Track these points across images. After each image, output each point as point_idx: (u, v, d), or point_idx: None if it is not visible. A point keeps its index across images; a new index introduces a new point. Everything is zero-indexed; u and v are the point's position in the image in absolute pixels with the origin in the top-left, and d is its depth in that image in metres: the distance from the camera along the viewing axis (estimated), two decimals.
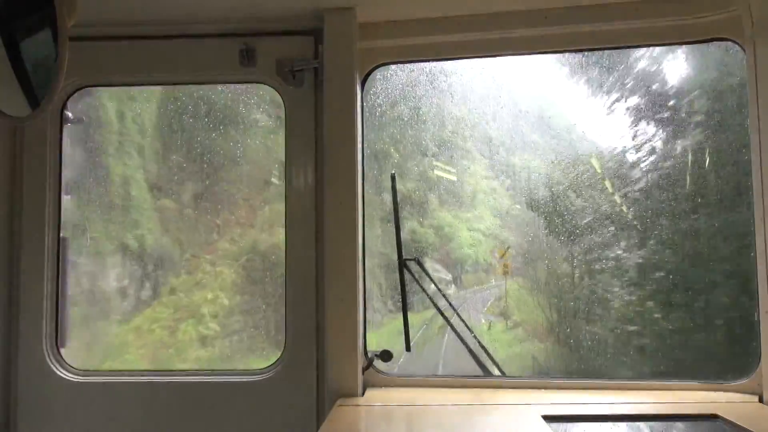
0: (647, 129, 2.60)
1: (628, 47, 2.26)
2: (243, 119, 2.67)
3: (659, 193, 2.53)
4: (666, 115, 2.58)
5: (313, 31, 2.26)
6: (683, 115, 2.57)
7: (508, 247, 2.92)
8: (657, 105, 2.59)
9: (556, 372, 2.85)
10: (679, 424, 1.80)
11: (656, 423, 1.81)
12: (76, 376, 2.31)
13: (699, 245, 2.57)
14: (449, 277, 3.04)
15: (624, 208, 2.65)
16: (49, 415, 2.28)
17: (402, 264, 2.36)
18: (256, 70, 2.31)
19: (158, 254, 2.80)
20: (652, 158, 2.59)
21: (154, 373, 2.39)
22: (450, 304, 2.45)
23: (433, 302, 2.42)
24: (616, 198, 2.65)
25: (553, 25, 2.18)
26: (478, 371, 2.28)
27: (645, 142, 2.59)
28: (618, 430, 1.76)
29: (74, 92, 2.40)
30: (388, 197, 2.48)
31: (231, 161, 2.68)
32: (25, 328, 2.29)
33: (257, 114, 2.69)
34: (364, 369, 2.19)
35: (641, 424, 1.80)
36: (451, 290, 2.96)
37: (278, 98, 2.34)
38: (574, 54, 2.40)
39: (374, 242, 2.54)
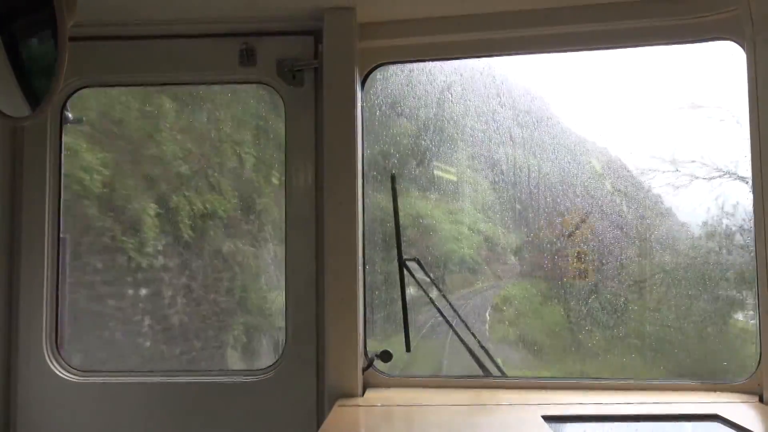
0: None
1: (628, 47, 2.25)
2: None
3: None
4: None
5: (313, 31, 2.26)
6: None
7: (587, 215, 2.24)
8: None
9: None
10: (679, 424, 1.80)
11: (656, 423, 1.81)
12: (76, 376, 2.30)
13: None
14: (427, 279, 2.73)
15: None
16: (49, 415, 2.28)
17: (402, 264, 2.36)
18: (256, 70, 2.30)
19: None
20: None
21: (154, 373, 2.39)
22: (449, 304, 2.44)
23: (433, 303, 2.42)
24: None
25: (553, 25, 2.18)
26: (478, 371, 2.28)
27: None
28: (618, 430, 1.76)
29: (74, 92, 2.40)
30: None
31: None
32: (25, 328, 2.29)
33: None
34: (364, 369, 2.19)
35: (641, 424, 1.80)
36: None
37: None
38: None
39: None
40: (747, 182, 2.02)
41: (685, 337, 2.40)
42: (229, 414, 2.25)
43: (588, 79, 2.54)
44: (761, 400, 1.98)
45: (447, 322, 2.38)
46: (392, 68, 2.49)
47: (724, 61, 2.19)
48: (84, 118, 2.57)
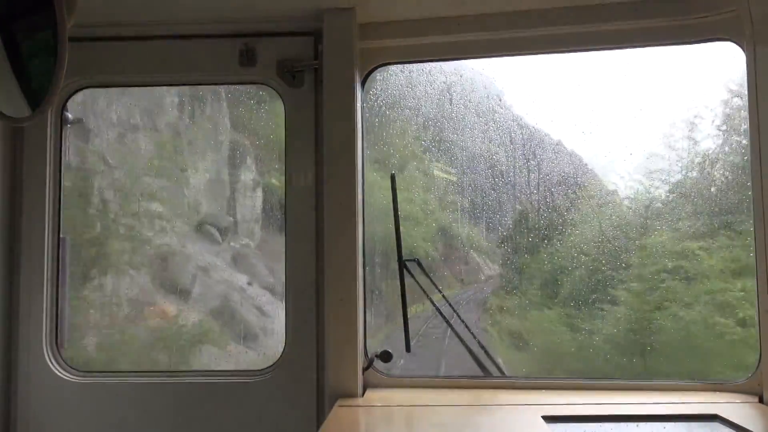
0: None
1: (628, 47, 2.25)
2: None
3: None
4: None
5: (313, 31, 2.26)
6: None
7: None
8: None
9: None
10: (679, 424, 1.80)
11: (656, 423, 1.80)
12: (76, 376, 2.30)
13: None
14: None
15: None
16: (49, 415, 2.28)
17: (402, 265, 2.36)
18: (256, 71, 2.30)
19: None
20: None
21: (154, 373, 2.39)
22: (449, 304, 2.44)
23: (433, 303, 2.42)
24: None
25: (553, 25, 2.18)
26: (478, 371, 2.28)
27: None
28: (618, 430, 1.76)
29: (74, 92, 2.40)
30: None
31: None
32: (25, 328, 2.29)
33: None
34: (364, 369, 2.19)
35: (641, 425, 1.80)
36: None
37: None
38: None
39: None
40: None
41: None
42: (229, 414, 2.25)
43: (587, 80, 2.54)
44: (761, 400, 1.98)
45: (446, 322, 2.38)
46: (392, 68, 2.49)
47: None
48: (83, 118, 2.57)
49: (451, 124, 2.67)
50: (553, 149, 2.64)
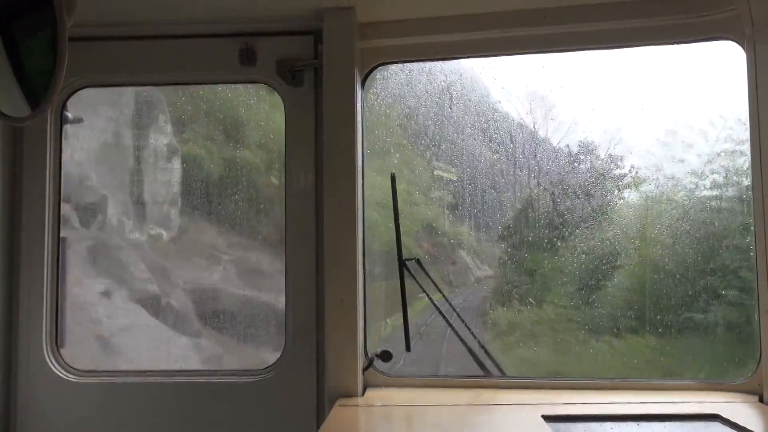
0: None
1: (628, 47, 2.25)
2: None
3: None
4: None
5: (313, 30, 2.26)
6: None
7: None
8: None
9: None
10: (679, 424, 1.80)
11: (656, 423, 1.81)
12: (76, 376, 2.30)
13: None
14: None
15: None
16: (49, 415, 2.28)
17: (402, 264, 2.36)
18: (256, 70, 2.30)
19: None
20: None
21: (154, 373, 2.38)
22: (450, 304, 2.44)
23: (433, 303, 2.41)
24: None
25: (553, 25, 2.18)
26: (478, 371, 2.28)
27: None
28: (618, 430, 1.76)
29: (74, 92, 2.40)
30: None
31: None
32: (25, 328, 2.29)
33: None
34: (364, 369, 2.19)
35: (641, 424, 1.80)
36: None
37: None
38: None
39: None
40: None
41: None
42: (229, 414, 2.25)
43: (587, 79, 2.54)
44: (761, 400, 1.98)
45: (447, 322, 2.38)
46: (392, 68, 2.49)
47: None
48: (83, 118, 2.56)
49: (452, 122, 2.66)
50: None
